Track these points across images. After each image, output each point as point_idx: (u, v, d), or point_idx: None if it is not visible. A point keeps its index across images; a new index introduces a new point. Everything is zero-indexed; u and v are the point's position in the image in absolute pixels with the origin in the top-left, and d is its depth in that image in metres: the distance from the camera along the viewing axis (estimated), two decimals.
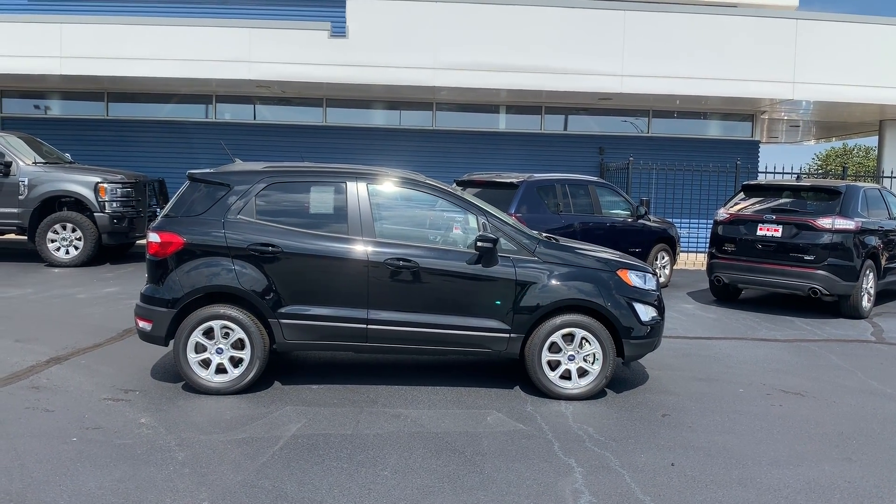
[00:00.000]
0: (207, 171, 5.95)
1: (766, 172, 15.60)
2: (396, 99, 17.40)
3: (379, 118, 17.96)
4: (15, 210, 11.67)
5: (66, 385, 5.70)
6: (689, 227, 16.48)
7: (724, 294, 10.82)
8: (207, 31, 14.90)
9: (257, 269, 5.57)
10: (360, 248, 5.62)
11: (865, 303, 9.80)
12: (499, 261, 5.71)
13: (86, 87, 16.93)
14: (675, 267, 12.62)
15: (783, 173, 14.92)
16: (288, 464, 4.35)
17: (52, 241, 11.70)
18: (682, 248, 14.22)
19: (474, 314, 5.70)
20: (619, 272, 5.93)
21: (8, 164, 11.62)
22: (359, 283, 5.61)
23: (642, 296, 5.94)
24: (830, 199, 9.78)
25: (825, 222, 9.45)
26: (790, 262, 9.62)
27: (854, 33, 15.46)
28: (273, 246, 5.57)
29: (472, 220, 5.88)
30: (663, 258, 11.96)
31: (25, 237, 11.99)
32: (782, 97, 15.55)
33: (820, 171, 43.86)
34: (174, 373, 5.94)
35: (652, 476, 4.36)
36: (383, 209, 5.94)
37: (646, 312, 5.91)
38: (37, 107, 17.80)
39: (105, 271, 11.52)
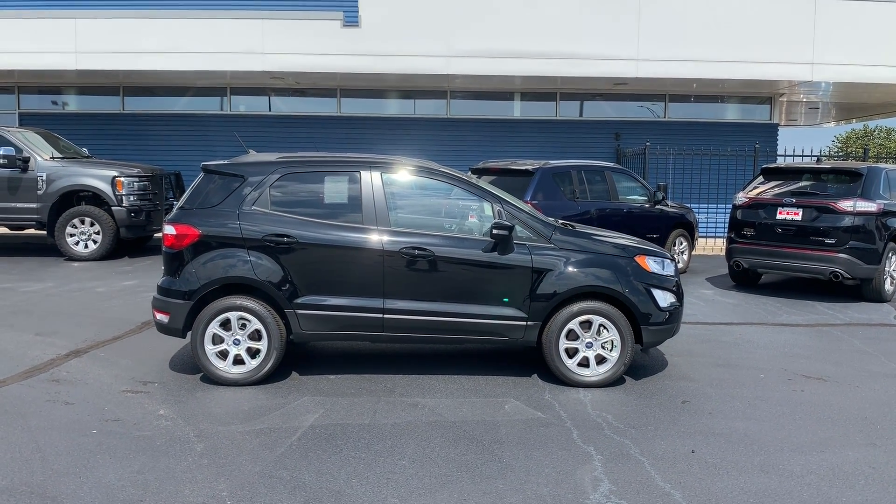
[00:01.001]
0: (222, 162, 5.94)
1: (785, 156, 15.40)
2: (410, 88, 17.33)
3: (393, 107, 17.91)
4: (34, 205, 11.77)
5: (86, 378, 5.74)
6: (708, 212, 16.31)
7: (743, 279, 10.71)
8: (220, 23, 14.91)
9: (273, 259, 5.57)
10: (376, 238, 5.60)
11: (888, 286, 9.66)
12: (515, 248, 5.67)
13: (101, 81, 17.02)
14: (693, 252, 12.51)
15: (803, 156, 14.72)
16: (306, 454, 4.35)
17: (71, 235, 11.80)
18: (700, 234, 14.09)
19: (491, 302, 5.67)
20: (636, 258, 5.87)
21: (26, 160, 11.70)
22: (374, 273, 5.59)
23: (660, 281, 5.88)
24: (851, 181, 9.63)
25: (846, 205, 9.30)
26: (811, 246, 9.49)
27: (874, 12, 15.16)
28: (288, 236, 5.56)
29: (488, 208, 5.84)
30: (681, 244, 11.85)
31: (45, 232, 12.10)
32: (801, 79, 15.30)
33: (840, 154, 43.27)
34: (192, 364, 5.97)
35: (672, 463, 4.32)
36: (398, 198, 5.92)
37: (664, 298, 5.85)
38: (54, 102, 17.93)
39: (123, 264, 11.60)
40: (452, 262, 5.64)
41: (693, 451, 4.50)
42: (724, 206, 15.45)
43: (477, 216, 5.96)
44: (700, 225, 14.33)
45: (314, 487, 3.93)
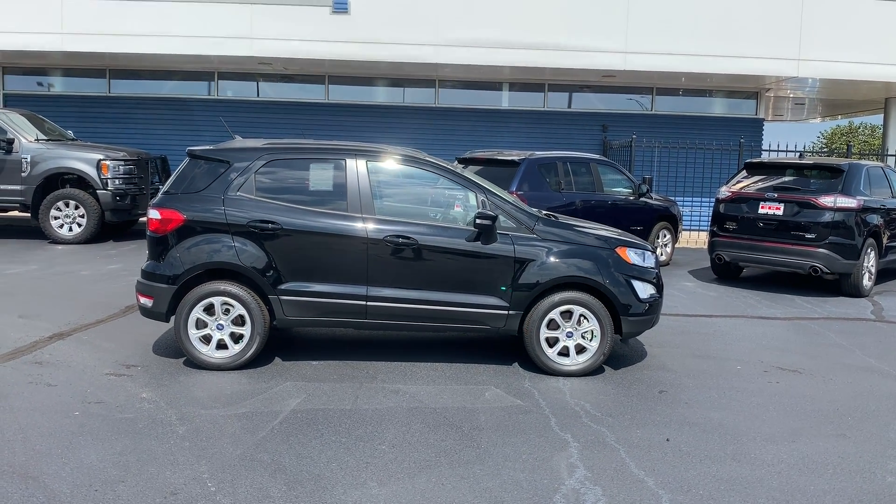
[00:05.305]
0: (207, 147, 5.96)
1: (769, 150, 15.52)
2: (399, 76, 17.31)
3: (381, 95, 17.89)
4: (18, 187, 11.69)
5: (69, 360, 5.76)
6: (692, 206, 16.44)
7: (725, 272, 10.82)
8: (209, 7, 14.80)
9: (257, 245, 5.59)
10: (360, 226, 5.64)
11: (866, 281, 9.79)
12: (498, 238, 5.72)
13: (88, 63, 16.88)
14: (676, 245, 12.61)
15: (786, 151, 14.85)
16: (287, 438, 4.41)
17: (56, 218, 11.73)
18: (684, 227, 14.18)
19: (473, 291, 5.73)
20: (617, 250, 5.94)
21: (10, 141, 11.62)
22: (358, 260, 5.63)
23: (641, 273, 5.96)
24: (833, 177, 9.74)
25: (827, 200, 9.42)
26: (791, 241, 9.60)
27: (860, 9, 15.28)
28: (273, 223, 5.59)
29: (472, 198, 5.88)
30: (665, 236, 11.95)
31: (29, 214, 12.04)
32: (787, 74, 15.42)
33: (825, 150, 43.63)
34: (175, 348, 5.99)
35: (647, 451, 4.40)
36: (383, 186, 5.95)
37: (644, 290, 5.93)
38: (39, 83, 17.77)
39: (108, 248, 11.57)
40: (436, 251, 5.69)
41: (668, 440, 4.59)
42: (708, 199, 15.53)
43: (461, 206, 6.01)
44: (684, 218, 14.42)
45: (294, 471, 3.98)
